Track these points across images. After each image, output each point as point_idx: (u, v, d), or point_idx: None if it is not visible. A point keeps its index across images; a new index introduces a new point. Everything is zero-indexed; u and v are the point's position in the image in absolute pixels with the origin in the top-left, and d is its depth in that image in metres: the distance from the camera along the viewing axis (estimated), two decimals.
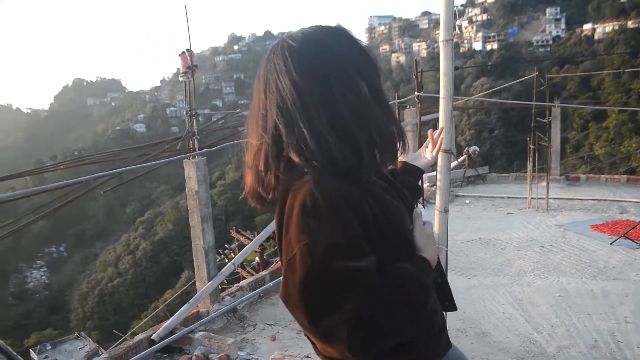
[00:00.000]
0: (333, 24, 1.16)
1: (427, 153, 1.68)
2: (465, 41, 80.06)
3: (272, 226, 5.14)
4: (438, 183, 2.85)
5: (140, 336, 3.84)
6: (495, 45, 74.16)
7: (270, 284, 4.85)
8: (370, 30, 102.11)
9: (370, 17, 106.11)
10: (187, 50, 3.98)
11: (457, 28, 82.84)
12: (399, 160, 1.52)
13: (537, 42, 71.65)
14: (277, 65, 1.10)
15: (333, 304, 0.96)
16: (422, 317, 1.06)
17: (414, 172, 1.62)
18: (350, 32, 1.15)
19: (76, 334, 5.99)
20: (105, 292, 53.73)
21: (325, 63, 1.08)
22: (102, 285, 54.91)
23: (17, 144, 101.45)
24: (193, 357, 3.58)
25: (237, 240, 11.64)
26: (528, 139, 7.40)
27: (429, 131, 1.70)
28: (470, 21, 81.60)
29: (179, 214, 60.17)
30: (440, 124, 2.76)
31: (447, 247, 2.90)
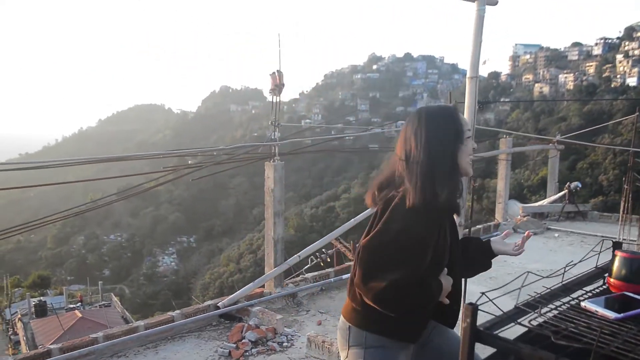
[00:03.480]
0: (451, 106, 1.86)
1: (510, 247, 2.03)
2: (619, 76, 74.66)
3: (344, 227, 5.71)
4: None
5: (209, 302, 4.59)
6: None
7: (332, 279, 5.40)
8: (515, 58, 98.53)
9: (516, 44, 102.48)
10: (277, 71, 4.69)
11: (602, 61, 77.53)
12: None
13: None
14: (420, 128, 1.70)
15: (392, 265, 1.57)
16: (419, 312, 1.71)
17: (486, 250, 2.02)
18: (458, 112, 1.79)
19: None
20: (225, 285, 56.89)
21: (443, 135, 1.70)
22: (223, 279, 58.16)
23: (166, 140, 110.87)
24: (246, 325, 4.23)
25: (335, 247, 12.28)
26: (624, 179, 7.25)
27: (528, 232, 2.10)
28: (627, 55, 75.86)
29: (302, 222, 62.36)
30: None
31: None
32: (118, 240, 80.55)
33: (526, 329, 1.32)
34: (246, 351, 3.89)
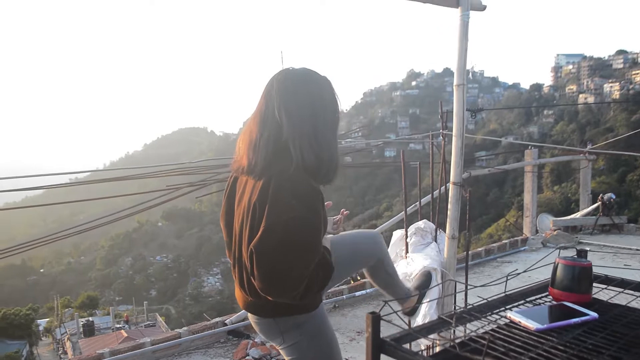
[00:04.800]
0: (322, 74, 1.73)
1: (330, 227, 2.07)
2: None
3: None
4: (448, 212, 3.13)
5: (217, 319, 4.62)
6: None
7: (344, 296, 5.34)
8: (557, 69, 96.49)
9: (557, 55, 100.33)
10: None
11: None
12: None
13: None
14: (283, 90, 1.64)
15: (293, 262, 1.49)
16: (324, 284, 1.69)
17: None
18: (330, 83, 1.72)
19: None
20: None
21: (316, 100, 1.65)
22: None
23: (209, 162, 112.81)
24: (251, 342, 4.23)
25: None
26: None
27: (343, 211, 2.17)
28: None
29: None
30: (453, 157, 3.08)
31: (449, 272, 3.16)
32: (164, 261, 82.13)
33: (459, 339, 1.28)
34: None
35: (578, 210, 9.89)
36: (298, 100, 1.63)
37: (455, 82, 3.13)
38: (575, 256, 1.74)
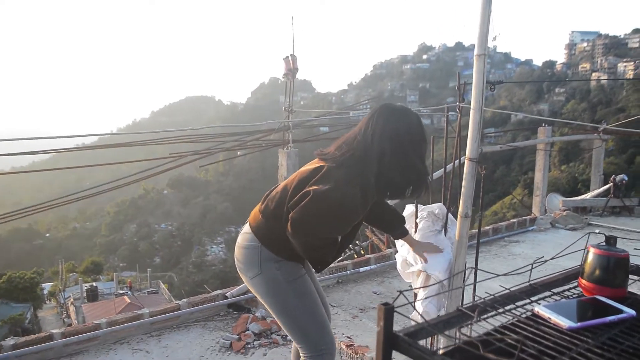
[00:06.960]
0: (414, 111, 2.21)
1: (415, 251, 2.62)
2: None
3: None
4: (462, 189, 2.97)
5: (218, 292, 4.52)
6: None
7: (348, 272, 5.22)
8: (571, 46, 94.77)
9: (572, 32, 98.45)
10: (291, 55, 4.55)
11: None
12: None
13: None
14: (386, 123, 2.06)
15: (331, 224, 1.97)
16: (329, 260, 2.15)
17: (402, 233, 2.59)
18: (420, 119, 2.16)
19: None
20: None
21: (405, 136, 2.07)
22: None
23: (216, 131, 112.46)
24: (251, 317, 4.14)
25: (370, 238, 12.06)
26: None
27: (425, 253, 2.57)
28: None
29: None
30: (470, 131, 2.90)
31: (460, 252, 3.02)
32: (169, 229, 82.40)
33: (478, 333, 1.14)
34: (248, 343, 3.80)
35: (585, 191, 9.70)
36: (387, 128, 2.05)
37: (475, 52, 2.92)
38: (604, 243, 1.59)
